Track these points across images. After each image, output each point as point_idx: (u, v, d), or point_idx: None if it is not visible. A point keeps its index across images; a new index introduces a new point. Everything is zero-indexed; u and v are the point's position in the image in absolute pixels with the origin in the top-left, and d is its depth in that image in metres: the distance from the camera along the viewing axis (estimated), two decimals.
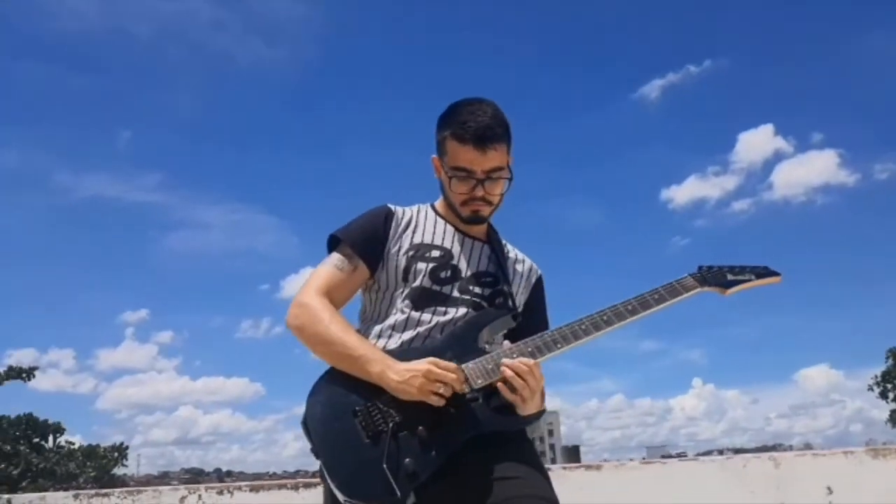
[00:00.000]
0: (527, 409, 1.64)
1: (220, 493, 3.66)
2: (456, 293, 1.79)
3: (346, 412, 1.61)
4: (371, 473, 1.52)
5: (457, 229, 1.88)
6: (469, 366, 1.64)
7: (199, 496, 3.64)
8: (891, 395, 48.15)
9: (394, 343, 1.74)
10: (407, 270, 1.80)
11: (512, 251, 1.96)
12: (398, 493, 1.49)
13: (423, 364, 1.59)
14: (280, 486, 3.63)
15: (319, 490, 1.78)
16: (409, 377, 1.58)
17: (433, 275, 1.79)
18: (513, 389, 1.62)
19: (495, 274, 1.86)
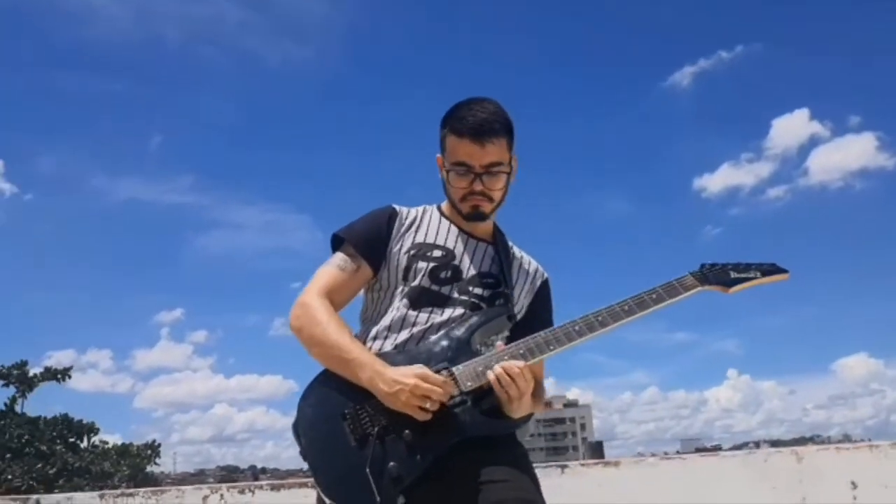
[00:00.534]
0: (515, 411, 1.63)
1: (242, 492, 3.70)
2: (455, 294, 1.78)
3: (334, 415, 1.62)
4: (355, 477, 1.53)
5: (461, 230, 1.87)
6: (460, 368, 1.63)
7: (222, 495, 3.68)
8: None
9: (388, 345, 1.74)
10: (407, 269, 1.79)
11: (518, 253, 1.94)
12: (377, 499, 1.50)
13: (411, 378, 1.57)
14: (301, 485, 3.65)
15: None
16: (396, 389, 1.57)
17: (433, 274, 1.78)
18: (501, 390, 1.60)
19: (497, 275, 1.84)
